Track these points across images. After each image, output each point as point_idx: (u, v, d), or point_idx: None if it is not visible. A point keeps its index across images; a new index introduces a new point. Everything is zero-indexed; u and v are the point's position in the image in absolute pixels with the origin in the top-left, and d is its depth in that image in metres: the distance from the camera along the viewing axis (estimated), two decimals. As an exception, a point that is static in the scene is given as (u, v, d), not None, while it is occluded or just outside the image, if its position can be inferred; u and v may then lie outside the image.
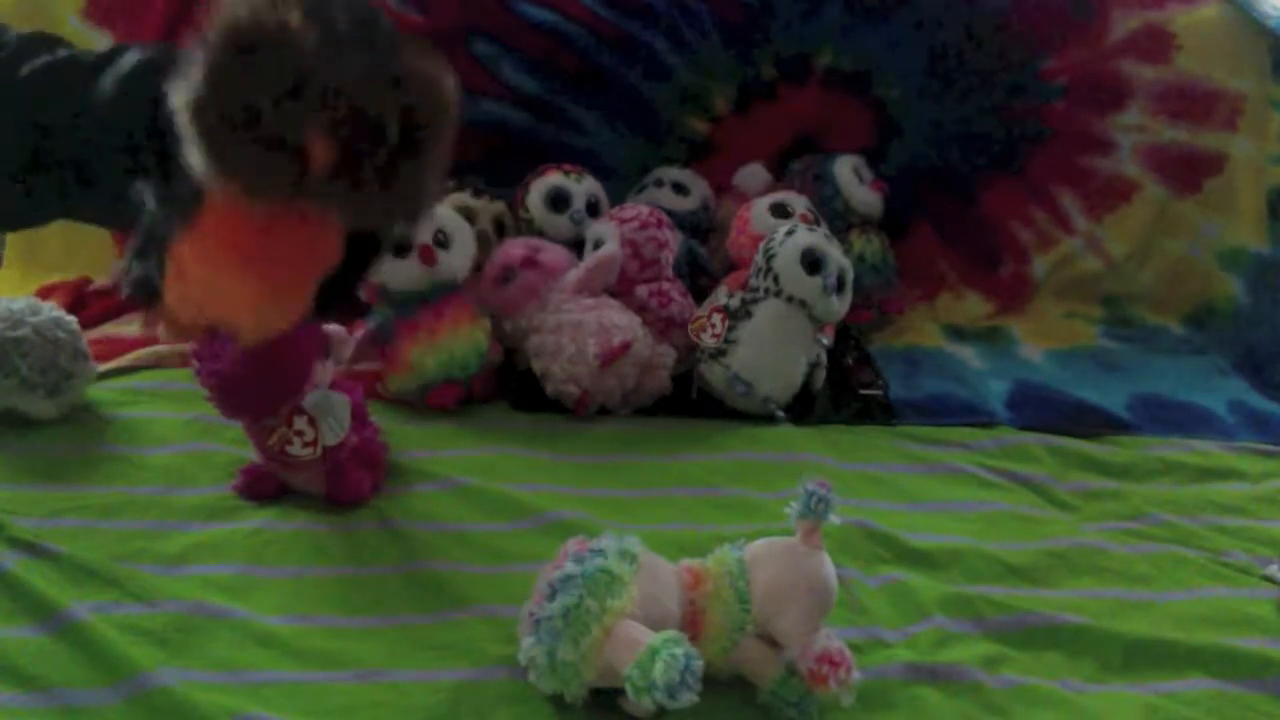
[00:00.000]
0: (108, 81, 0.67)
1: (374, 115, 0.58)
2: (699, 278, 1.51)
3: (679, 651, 0.75)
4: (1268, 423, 1.45)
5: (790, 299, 1.32)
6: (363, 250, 0.70)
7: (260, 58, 0.56)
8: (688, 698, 0.74)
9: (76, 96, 0.67)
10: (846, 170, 1.63)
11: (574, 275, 1.36)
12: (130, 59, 0.68)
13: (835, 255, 1.35)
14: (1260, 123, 1.71)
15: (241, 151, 0.57)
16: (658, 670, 0.74)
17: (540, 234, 1.48)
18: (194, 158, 0.59)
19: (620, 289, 1.39)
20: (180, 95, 0.58)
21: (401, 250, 1.28)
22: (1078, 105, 1.72)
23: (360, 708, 0.85)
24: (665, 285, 1.41)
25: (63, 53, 0.71)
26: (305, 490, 1.10)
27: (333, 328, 1.10)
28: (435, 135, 0.62)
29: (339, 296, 0.72)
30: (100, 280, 1.51)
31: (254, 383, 1.03)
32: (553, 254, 1.40)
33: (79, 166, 0.69)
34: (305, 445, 1.05)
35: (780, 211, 1.49)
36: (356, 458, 1.10)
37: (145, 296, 0.69)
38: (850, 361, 1.47)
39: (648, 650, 0.76)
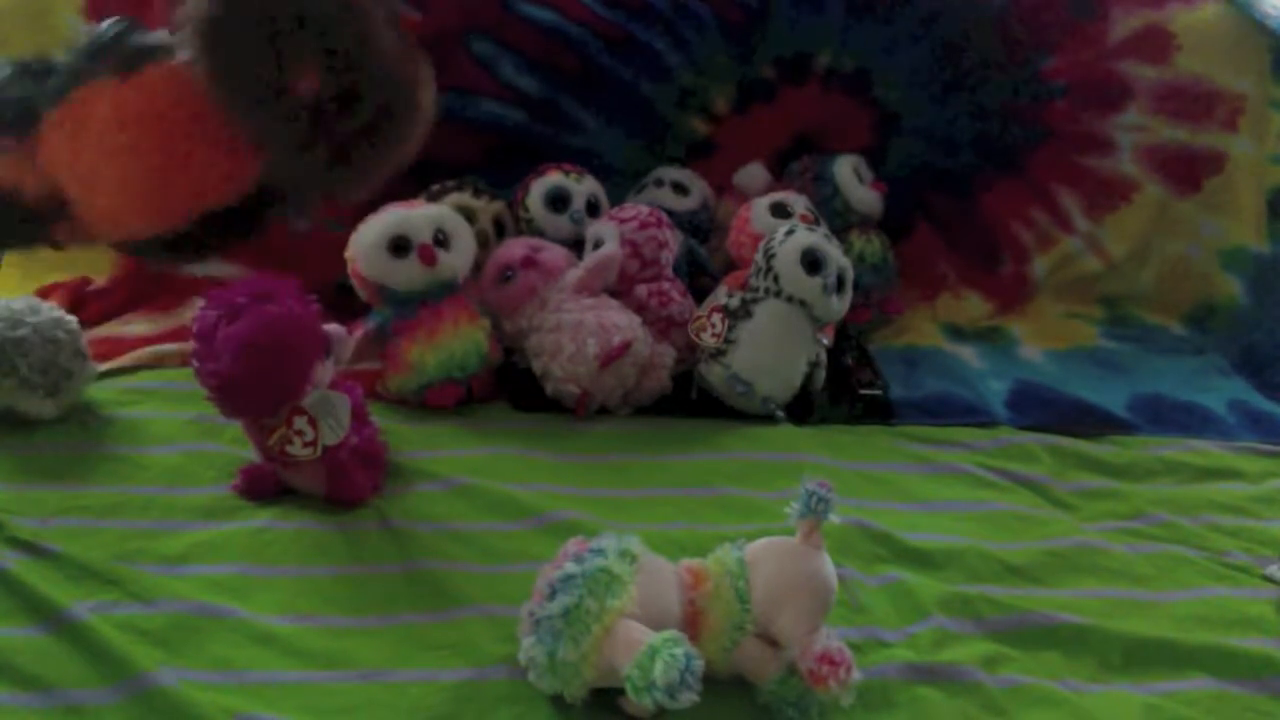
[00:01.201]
0: None
1: (362, 89, 0.59)
2: (699, 278, 1.51)
3: (679, 651, 0.75)
4: (1268, 423, 1.45)
5: (790, 299, 1.32)
6: (262, 202, 0.70)
7: None
8: (688, 698, 0.74)
9: None
10: (846, 170, 1.63)
11: (574, 275, 1.36)
12: None
13: (835, 255, 1.35)
14: (1260, 123, 1.71)
15: (239, 47, 0.57)
16: (658, 670, 0.74)
17: (540, 234, 1.48)
18: (188, 40, 0.59)
19: (620, 289, 1.39)
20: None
21: (401, 250, 1.28)
22: (1078, 105, 1.72)
23: (360, 708, 0.85)
24: (665, 285, 1.41)
25: None
26: (305, 490, 1.10)
27: (333, 327, 1.10)
28: (396, 128, 0.63)
29: (221, 230, 0.72)
30: (100, 281, 1.51)
31: (254, 383, 1.03)
32: (553, 254, 1.40)
33: None
34: (305, 445, 1.05)
35: (780, 211, 1.50)
36: (356, 458, 1.10)
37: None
38: (850, 361, 1.47)
39: (648, 650, 0.76)
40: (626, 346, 1.29)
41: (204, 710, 0.81)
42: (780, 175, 1.69)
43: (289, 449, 1.05)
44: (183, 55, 0.61)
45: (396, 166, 0.65)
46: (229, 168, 0.65)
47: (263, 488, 1.09)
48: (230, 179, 0.66)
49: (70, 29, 1.51)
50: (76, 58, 0.66)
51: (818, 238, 1.35)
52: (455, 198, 1.45)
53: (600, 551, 0.86)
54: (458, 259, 1.32)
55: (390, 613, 0.96)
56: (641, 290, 1.39)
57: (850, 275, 1.37)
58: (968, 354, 1.60)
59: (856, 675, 0.83)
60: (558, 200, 1.49)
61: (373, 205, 1.30)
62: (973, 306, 1.72)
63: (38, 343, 1.15)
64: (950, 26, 1.69)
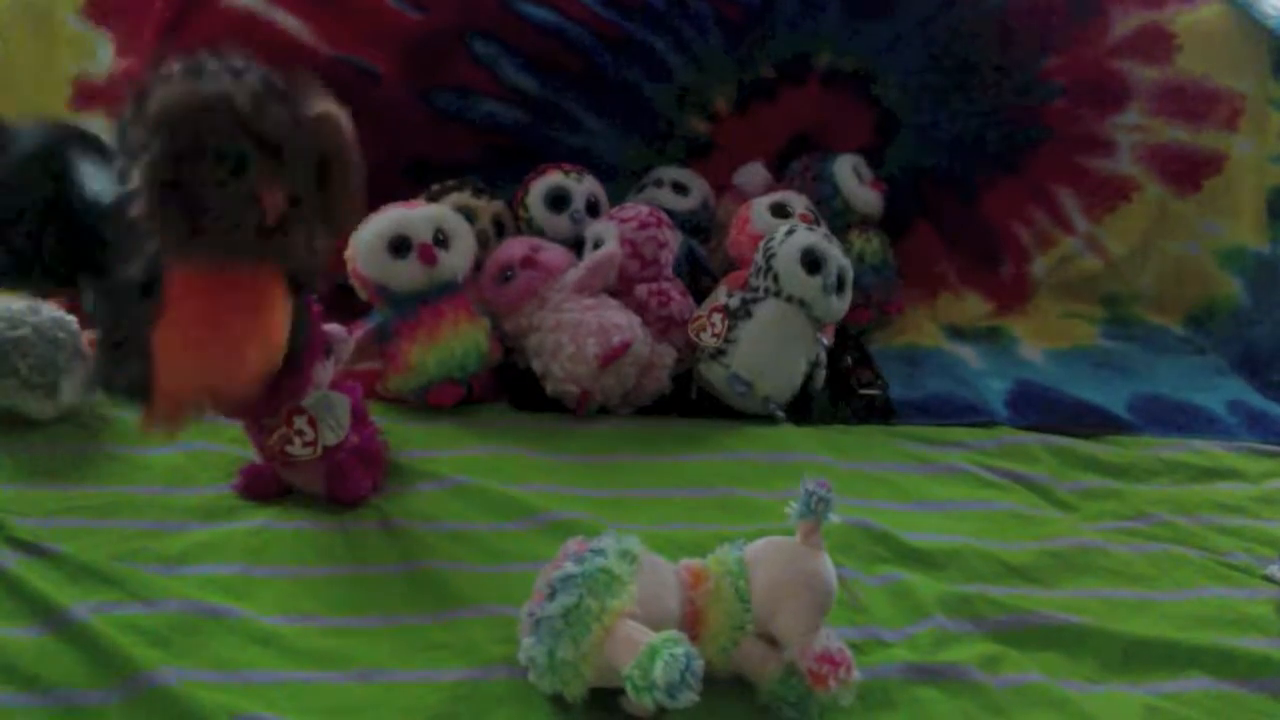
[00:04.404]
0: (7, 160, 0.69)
1: (313, 159, 0.60)
2: (699, 278, 1.50)
3: (679, 651, 0.75)
4: (1268, 422, 1.45)
5: (790, 299, 1.32)
6: (297, 286, 0.73)
7: (208, 127, 0.57)
8: (688, 697, 0.74)
9: None
10: (846, 170, 1.64)
11: (574, 275, 1.36)
12: (31, 139, 0.69)
13: (835, 255, 1.35)
14: (1260, 123, 1.71)
15: (206, 224, 0.58)
16: (658, 670, 0.74)
17: (540, 234, 1.48)
18: (158, 233, 0.61)
19: (620, 289, 1.39)
20: (137, 180, 0.59)
21: (401, 250, 1.28)
22: (1078, 105, 1.72)
23: (360, 708, 0.85)
24: (665, 285, 1.41)
25: None
26: (305, 490, 1.10)
27: (333, 327, 1.10)
28: (352, 172, 0.64)
29: (297, 328, 0.75)
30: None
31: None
32: (552, 254, 1.40)
33: None
34: (305, 445, 1.05)
35: (780, 211, 1.49)
36: (356, 457, 1.10)
37: (136, 397, 0.71)
38: (850, 361, 1.47)
39: (648, 650, 0.76)
40: (626, 346, 1.29)
41: (204, 710, 0.81)
42: (780, 175, 1.69)
43: (289, 449, 1.05)
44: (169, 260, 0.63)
45: (357, 177, 0.67)
46: (269, 285, 0.68)
47: (263, 488, 1.09)
48: (279, 294, 0.70)
49: (70, 29, 1.52)
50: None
51: (818, 238, 1.35)
52: (455, 198, 1.45)
53: (600, 551, 0.86)
54: (458, 259, 1.32)
55: (390, 613, 0.95)
56: (641, 290, 1.39)
57: (850, 275, 1.37)
58: (968, 354, 1.60)
59: (856, 675, 0.83)
60: (558, 200, 1.49)
61: (373, 205, 1.30)
62: (973, 306, 1.73)
63: (38, 343, 1.15)
64: (950, 26, 1.69)
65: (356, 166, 0.67)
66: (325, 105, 0.64)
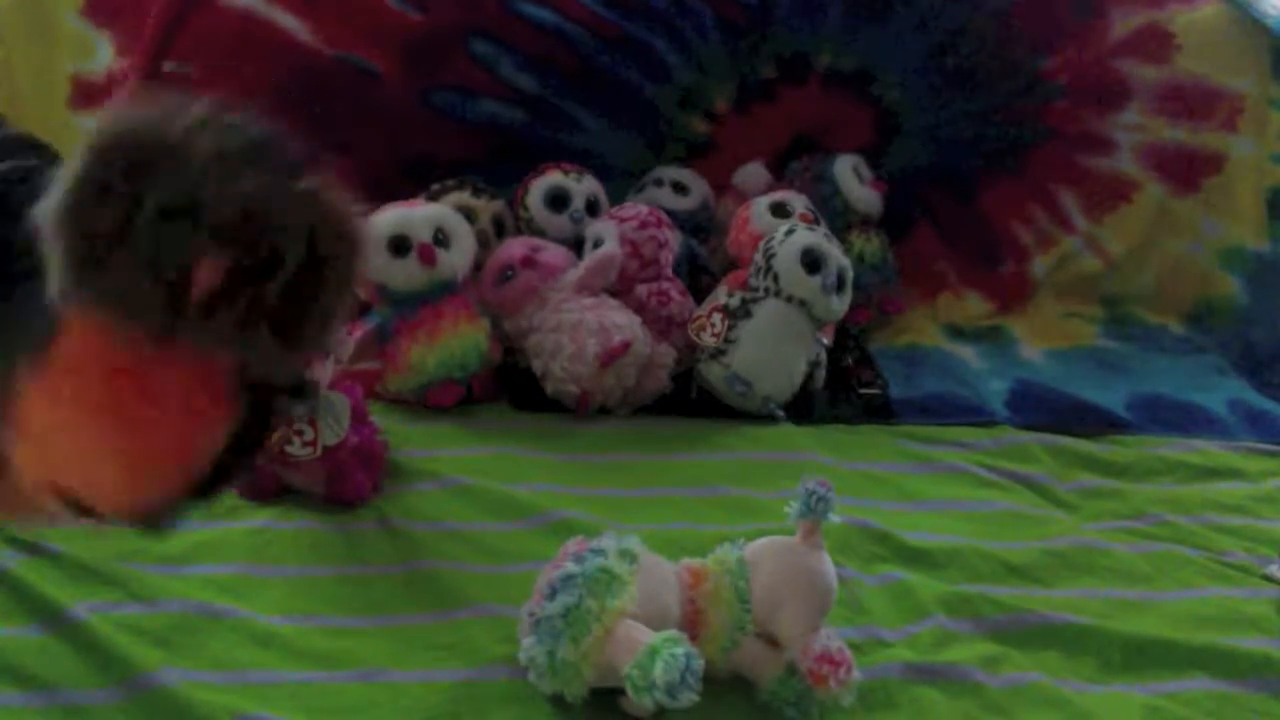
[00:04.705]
0: None
1: (269, 240, 0.50)
2: (699, 278, 1.51)
3: (679, 651, 0.75)
4: (1268, 422, 1.45)
5: (790, 299, 1.32)
6: (258, 412, 0.57)
7: (144, 167, 0.49)
8: (688, 697, 0.74)
9: None
10: (846, 170, 1.64)
11: (574, 275, 1.36)
12: None
13: (835, 255, 1.35)
14: (1260, 122, 1.71)
15: (114, 270, 0.49)
16: (658, 670, 0.74)
17: (540, 233, 1.48)
18: (56, 273, 0.50)
19: (620, 288, 1.39)
20: (50, 200, 0.50)
21: (401, 250, 1.28)
22: (1078, 105, 1.72)
23: (360, 708, 0.85)
24: (665, 285, 1.41)
25: None
26: (305, 490, 1.10)
27: (332, 328, 1.10)
28: (337, 270, 0.53)
29: (232, 466, 0.58)
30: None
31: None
32: (552, 254, 1.40)
33: None
34: (305, 445, 1.05)
35: (780, 211, 1.49)
36: (356, 457, 1.10)
37: None
38: (850, 361, 1.47)
39: (648, 650, 0.76)
40: (626, 346, 1.29)
41: (204, 710, 0.81)
42: (780, 175, 1.69)
43: (289, 449, 1.05)
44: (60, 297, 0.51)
45: (349, 289, 0.55)
46: (200, 385, 0.53)
47: (263, 488, 1.09)
48: (214, 400, 0.54)
49: (70, 28, 1.52)
50: None
51: (818, 238, 1.35)
52: (455, 197, 1.45)
53: (600, 551, 0.86)
54: (458, 259, 1.32)
55: (390, 613, 0.95)
56: (641, 290, 1.39)
57: (850, 275, 1.37)
58: (968, 354, 1.60)
59: (856, 675, 0.83)
60: (557, 200, 1.49)
61: (372, 205, 1.30)
62: (973, 306, 1.73)
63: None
64: (950, 26, 1.69)
65: (352, 268, 0.54)
66: (330, 190, 0.54)
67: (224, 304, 0.50)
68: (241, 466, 0.59)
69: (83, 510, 0.56)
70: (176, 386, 0.53)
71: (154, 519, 0.57)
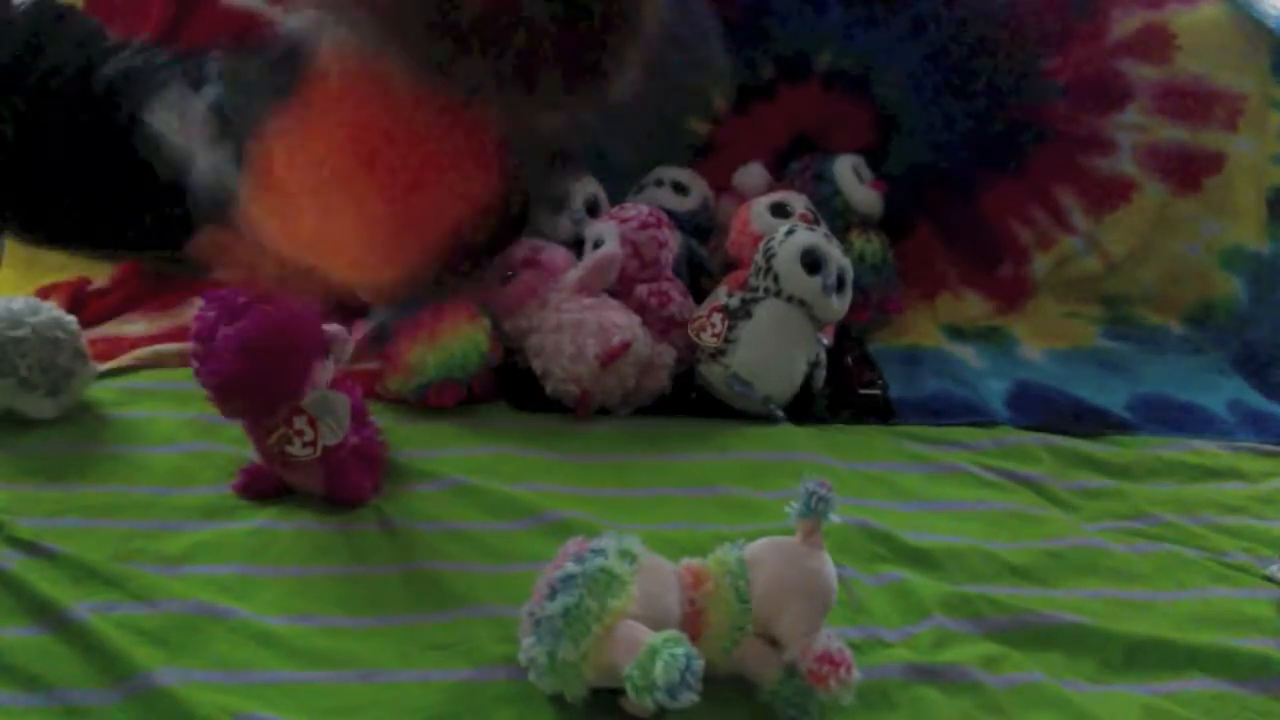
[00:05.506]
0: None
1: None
2: (699, 278, 1.50)
3: (679, 651, 0.75)
4: (1268, 423, 1.45)
5: (790, 299, 1.32)
6: (517, 199, 0.51)
7: None
8: (688, 698, 0.74)
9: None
10: (846, 170, 1.63)
11: (574, 275, 1.36)
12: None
13: (835, 255, 1.35)
14: (1260, 123, 1.71)
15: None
16: (658, 670, 0.74)
17: (540, 234, 1.47)
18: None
19: (620, 289, 1.39)
20: None
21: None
22: (1078, 105, 1.72)
23: (360, 708, 0.85)
24: (665, 285, 1.41)
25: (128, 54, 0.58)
26: (305, 490, 1.10)
27: (333, 328, 1.10)
28: (629, 21, 0.47)
29: (477, 254, 0.52)
30: (100, 281, 1.50)
31: (254, 383, 1.03)
32: (553, 254, 1.40)
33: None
34: (305, 445, 1.05)
35: (780, 211, 1.49)
36: (356, 458, 1.10)
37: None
38: (850, 361, 1.47)
39: (648, 650, 0.76)
40: (626, 346, 1.29)
41: (204, 710, 0.81)
42: (780, 175, 1.69)
43: (289, 449, 1.05)
44: (330, 38, 0.45)
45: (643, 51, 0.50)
46: (469, 149, 0.47)
47: (263, 488, 1.09)
48: (481, 172, 0.48)
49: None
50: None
51: (818, 238, 1.35)
52: (455, 198, 1.45)
53: (600, 551, 0.86)
54: (458, 259, 1.32)
55: (390, 613, 0.95)
56: (641, 290, 1.39)
57: (850, 275, 1.37)
58: (968, 354, 1.60)
59: (856, 675, 0.83)
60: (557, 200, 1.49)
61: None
62: (973, 306, 1.72)
63: (38, 343, 1.15)
64: (950, 26, 1.69)
65: (643, 24, 0.48)
66: None
67: (505, 32, 0.44)
68: (483, 262, 0.54)
69: (318, 281, 0.51)
70: (442, 145, 0.47)
71: (389, 293, 0.52)
